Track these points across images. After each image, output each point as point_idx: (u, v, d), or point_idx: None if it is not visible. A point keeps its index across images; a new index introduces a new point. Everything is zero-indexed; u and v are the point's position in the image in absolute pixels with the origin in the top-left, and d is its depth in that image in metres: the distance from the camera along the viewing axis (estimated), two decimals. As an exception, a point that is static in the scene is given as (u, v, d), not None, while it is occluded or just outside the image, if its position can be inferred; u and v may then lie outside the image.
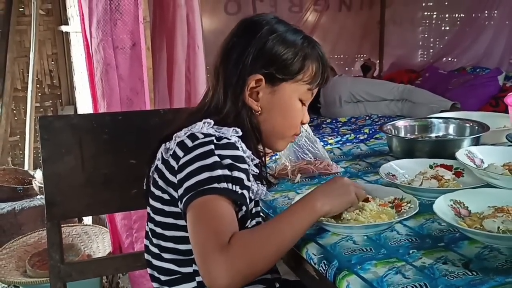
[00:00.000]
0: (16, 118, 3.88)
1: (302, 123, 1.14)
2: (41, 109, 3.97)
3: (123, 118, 1.38)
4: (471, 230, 0.96)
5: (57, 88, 4.01)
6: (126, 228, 2.30)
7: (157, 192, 1.03)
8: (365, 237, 1.02)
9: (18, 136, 3.88)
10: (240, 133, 1.02)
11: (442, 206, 1.04)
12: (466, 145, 1.43)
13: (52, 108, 4.02)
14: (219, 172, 0.91)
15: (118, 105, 2.21)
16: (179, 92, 2.28)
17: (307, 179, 1.43)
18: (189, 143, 0.96)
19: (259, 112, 1.08)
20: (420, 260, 0.91)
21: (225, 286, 0.81)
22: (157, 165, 1.04)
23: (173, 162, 0.98)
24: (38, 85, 3.86)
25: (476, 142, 1.48)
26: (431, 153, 1.42)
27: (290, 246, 0.93)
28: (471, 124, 1.61)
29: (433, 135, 1.68)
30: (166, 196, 1.01)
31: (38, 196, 2.94)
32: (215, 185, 0.90)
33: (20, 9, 3.77)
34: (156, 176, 1.04)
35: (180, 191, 0.93)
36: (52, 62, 3.96)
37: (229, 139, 0.98)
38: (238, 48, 1.06)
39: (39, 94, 3.93)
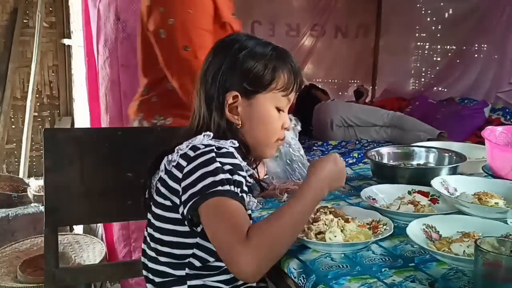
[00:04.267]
0: (13, 127, 3.94)
1: (284, 128, 1.20)
2: (39, 119, 4.04)
3: (122, 133, 1.47)
4: (439, 253, 1.05)
5: (56, 99, 4.08)
6: (124, 238, 2.35)
7: (160, 200, 1.11)
8: (343, 255, 1.10)
9: (14, 144, 3.94)
10: (237, 145, 1.10)
11: (415, 230, 1.13)
12: (444, 174, 1.51)
13: (49, 118, 4.09)
14: (221, 176, 1.00)
15: (120, 119, 2.29)
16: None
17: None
18: (191, 153, 1.05)
19: (240, 125, 1.14)
20: (391, 278, 0.99)
21: (253, 273, 0.92)
22: (160, 176, 1.11)
23: (176, 172, 1.06)
24: (37, 95, 3.93)
25: (453, 171, 1.55)
26: (411, 179, 1.50)
27: (302, 227, 1.06)
28: (450, 154, 1.69)
29: (414, 162, 1.75)
30: (168, 203, 1.09)
31: (32, 204, 2.99)
32: (219, 188, 0.98)
33: (24, 21, 3.86)
34: (159, 185, 1.11)
35: (184, 196, 1.02)
36: (53, 74, 4.04)
37: (227, 149, 1.06)
38: (213, 68, 1.13)
39: (38, 104, 4.00)
